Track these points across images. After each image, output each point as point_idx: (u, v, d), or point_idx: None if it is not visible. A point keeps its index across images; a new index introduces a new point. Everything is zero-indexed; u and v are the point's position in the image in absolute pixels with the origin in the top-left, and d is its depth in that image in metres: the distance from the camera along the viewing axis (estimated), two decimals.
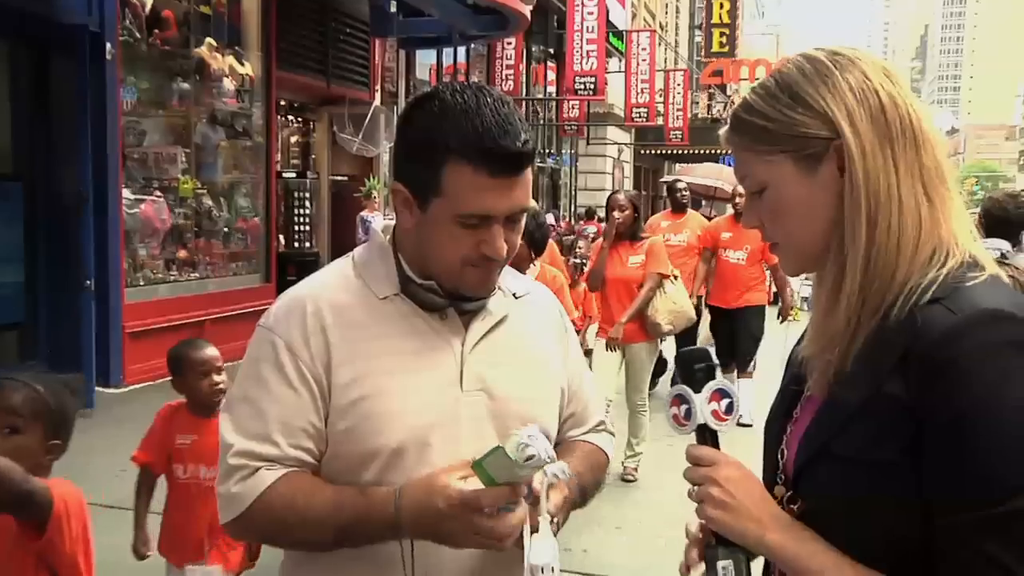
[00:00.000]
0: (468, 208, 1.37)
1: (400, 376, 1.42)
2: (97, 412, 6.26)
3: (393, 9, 11.24)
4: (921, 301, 1.09)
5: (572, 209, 23.14)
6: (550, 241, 5.85)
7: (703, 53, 34.27)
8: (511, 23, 12.44)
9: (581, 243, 12.51)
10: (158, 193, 8.49)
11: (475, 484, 1.30)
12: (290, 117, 12.57)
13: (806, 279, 7.66)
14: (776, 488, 1.21)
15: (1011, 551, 1.00)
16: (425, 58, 15.10)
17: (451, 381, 1.45)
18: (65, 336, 7.00)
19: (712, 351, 1.33)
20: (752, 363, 7.49)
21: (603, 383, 5.20)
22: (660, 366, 7.37)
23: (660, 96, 24.20)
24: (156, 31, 8.40)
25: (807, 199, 1.17)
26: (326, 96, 11.84)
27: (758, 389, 6.77)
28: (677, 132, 24.75)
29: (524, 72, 19.88)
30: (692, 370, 1.24)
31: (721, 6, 32.95)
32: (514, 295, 1.57)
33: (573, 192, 24.08)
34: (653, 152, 29.41)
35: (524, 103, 19.17)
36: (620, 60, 23.12)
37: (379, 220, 8.48)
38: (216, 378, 3.12)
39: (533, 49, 20.80)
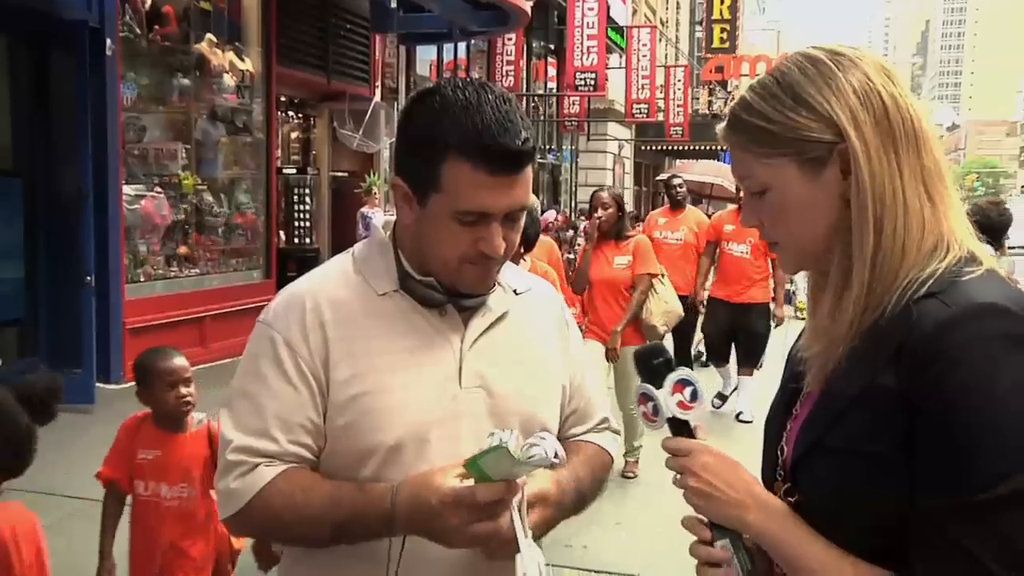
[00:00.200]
0: (466, 205, 1.37)
1: (399, 373, 1.42)
2: (98, 408, 6.27)
3: (393, 5, 11.24)
4: (917, 295, 1.09)
5: (573, 205, 23.12)
6: (550, 240, 5.81)
7: (704, 49, 34.18)
8: (512, 19, 12.42)
9: (581, 240, 12.49)
10: (158, 189, 8.47)
11: (471, 483, 1.30)
12: (290, 113, 12.55)
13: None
14: (776, 484, 1.22)
15: (983, 541, 1.00)
16: (425, 54, 15.07)
17: (450, 378, 1.45)
18: (65, 332, 6.99)
19: (664, 346, 1.33)
20: (761, 361, 7.46)
21: None
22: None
23: (660, 92, 24.17)
24: (156, 27, 8.38)
25: (811, 202, 1.17)
26: (326, 92, 11.83)
27: (761, 386, 6.76)
28: (677, 128, 24.70)
29: (525, 68, 19.85)
30: (651, 366, 1.25)
31: (722, 2, 32.85)
32: (515, 291, 1.57)
33: (573, 188, 24.05)
34: (654, 148, 29.36)
35: (524, 99, 19.15)
36: (621, 56, 23.09)
37: (379, 216, 8.47)
38: (183, 390, 2.93)
39: (534, 45, 20.77)
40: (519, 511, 1.33)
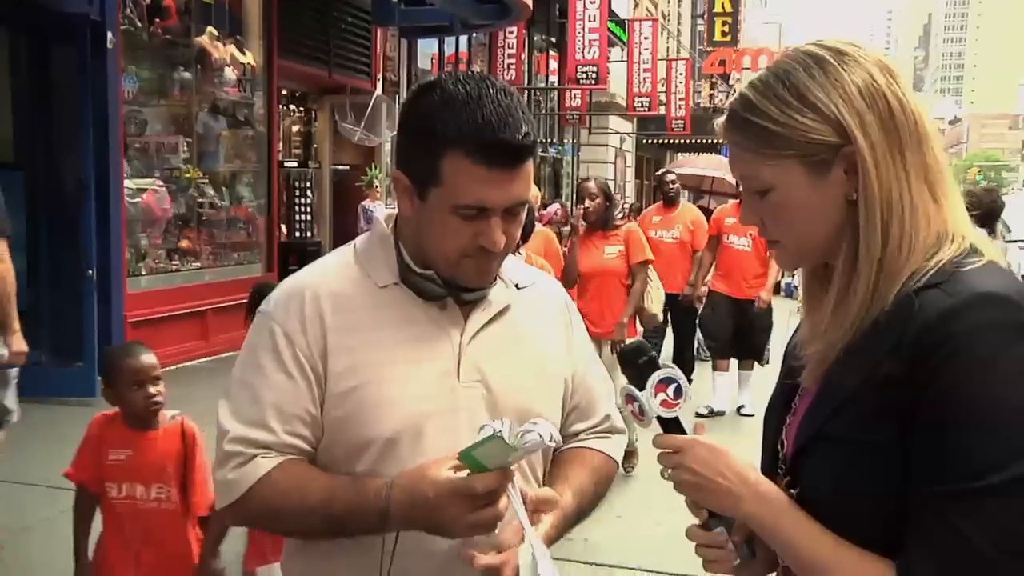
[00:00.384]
0: (466, 199, 1.36)
1: (397, 365, 1.42)
2: (99, 401, 6.26)
3: None
4: (919, 286, 1.10)
5: (574, 199, 23.10)
6: (548, 233, 5.77)
7: (705, 42, 34.10)
8: (513, 12, 12.39)
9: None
10: (160, 183, 8.48)
11: (465, 474, 1.29)
12: (292, 106, 12.54)
13: None
14: (776, 479, 1.22)
15: (981, 528, 1.00)
16: (427, 47, 15.04)
17: (448, 371, 1.44)
18: (67, 325, 7.00)
19: (647, 344, 1.34)
20: (767, 356, 7.43)
21: None
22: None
23: (662, 85, 24.09)
24: (157, 20, 8.37)
25: (815, 203, 1.16)
26: (328, 85, 11.82)
27: (762, 380, 6.76)
28: (679, 121, 24.64)
29: (526, 61, 19.81)
30: (635, 367, 1.25)
31: None
32: (516, 285, 1.56)
33: (575, 181, 24.03)
34: (655, 141, 29.32)
35: (526, 92, 19.11)
36: (622, 49, 23.03)
37: (381, 209, 8.47)
38: (151, 389, 2.76)
39: (535, 38, 20.72)
40: (516, 492, 1.33)
